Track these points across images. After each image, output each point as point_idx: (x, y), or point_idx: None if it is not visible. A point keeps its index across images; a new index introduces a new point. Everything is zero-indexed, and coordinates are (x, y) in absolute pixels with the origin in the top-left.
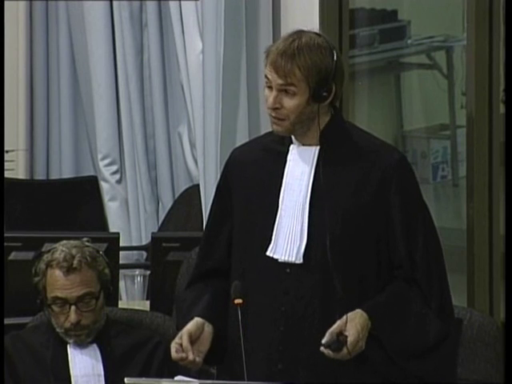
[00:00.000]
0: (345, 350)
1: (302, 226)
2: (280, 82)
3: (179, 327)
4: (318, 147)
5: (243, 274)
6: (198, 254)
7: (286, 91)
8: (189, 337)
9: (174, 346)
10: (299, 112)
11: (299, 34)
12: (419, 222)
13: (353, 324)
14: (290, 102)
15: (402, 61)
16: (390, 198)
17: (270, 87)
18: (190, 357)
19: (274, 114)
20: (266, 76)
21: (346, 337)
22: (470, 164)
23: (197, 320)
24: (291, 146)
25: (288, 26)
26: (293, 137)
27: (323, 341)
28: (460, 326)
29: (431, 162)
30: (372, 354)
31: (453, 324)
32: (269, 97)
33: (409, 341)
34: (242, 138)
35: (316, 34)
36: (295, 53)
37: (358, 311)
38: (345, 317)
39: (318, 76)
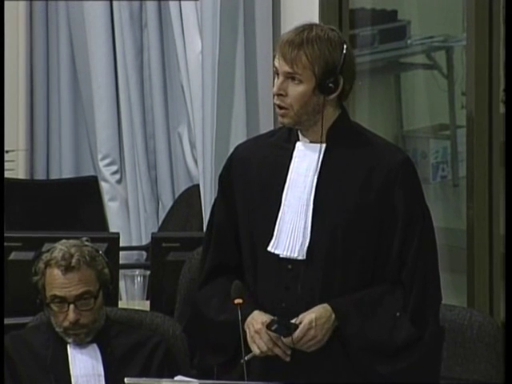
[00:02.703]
0: (294, 335)
1: (305, 222)
2: (286, 68)
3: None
4: (324, 145)
5: (248, 268)
6: (205, 251)
7: (292, 79)
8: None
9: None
10: (304, 102)
11: (311, 25)
12: (418, 224)
13: (309, 313)
14: (294, 90)
15: (402, 61)
16: (394, 197)
17: (278, 74)
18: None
19: (278, 102)
20: (274, 65)
21: (299, 323)
22: (470, 164)
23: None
24: (297, 143)
25: (288, 26)
26: (299, 134)
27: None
28: (443, 333)
29: (431, 161)
30: (345, 349)
31: (431, 330)
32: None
33: (374, 340)
34: (239, 138)
35: (330, 28)
36: (304, 42)
37: (322, 304)
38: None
39: (326, 67)
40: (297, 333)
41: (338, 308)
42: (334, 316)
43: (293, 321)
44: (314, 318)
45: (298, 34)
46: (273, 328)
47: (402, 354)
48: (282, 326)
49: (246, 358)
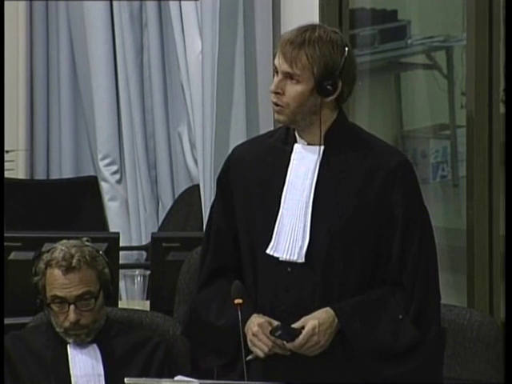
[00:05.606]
0: (297, 341)
1: (304, 224)
2: (285, 67)
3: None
4: (323, 147)
5: (248, 271)
6: (204, 254)
7: (290, 78)
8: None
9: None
10: (300, 102)
11: (314, 26)
12: (417, 226)
13: (312, 318)
14: (292, 89)
15: (402, 61)
16: (392, 199)
17: (277, 72)
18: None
19: (274, 100)
20: (273, 63)
21: (302, 328)
22: (470, 164)
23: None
24: (295, 145)
25: (288, 26)
26: (297, 136)
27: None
28: (444, 334)
29: (431, 161)
30: (348, 353)
31: (434, 331)
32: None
33: (378, 343)
34: (239, 138)
35: (333, 30)
36: (305, 42)
37: (325, 308)
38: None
39: (325, 69)
40: (300, 339)
41: (341, 312)
42: (336, 320)
43: (295, 325)
44: (317, 324)
45: (301, 34)
46: (276, 334)
47: (406, 356)
48: (286, 332)
49: (247, 359)
